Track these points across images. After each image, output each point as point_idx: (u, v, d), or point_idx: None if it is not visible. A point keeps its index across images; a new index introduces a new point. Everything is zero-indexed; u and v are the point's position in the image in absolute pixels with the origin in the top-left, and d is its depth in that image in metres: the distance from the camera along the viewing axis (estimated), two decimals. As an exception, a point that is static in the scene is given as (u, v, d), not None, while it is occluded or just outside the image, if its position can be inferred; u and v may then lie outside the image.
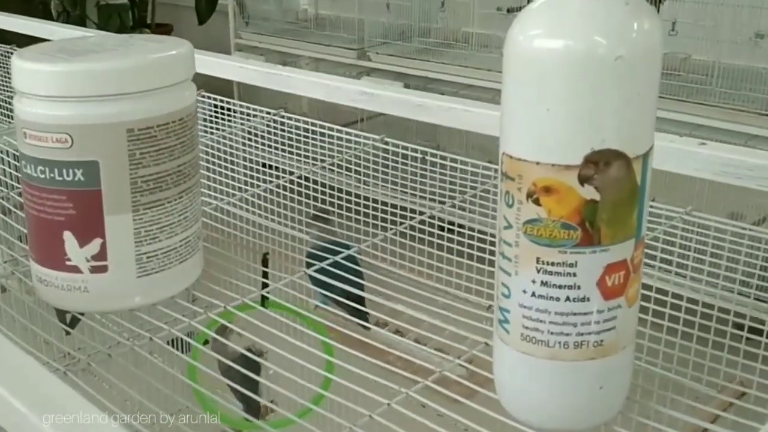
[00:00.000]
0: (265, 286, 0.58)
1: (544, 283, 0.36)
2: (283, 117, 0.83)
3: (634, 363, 0.40)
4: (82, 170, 0.44)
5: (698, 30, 1.52)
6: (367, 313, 0.57)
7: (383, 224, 0.67)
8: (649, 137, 0.35)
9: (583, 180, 0.34)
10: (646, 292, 0.54)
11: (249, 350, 0.51)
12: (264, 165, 0.78)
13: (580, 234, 0.35)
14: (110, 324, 0.53)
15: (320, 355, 0.50)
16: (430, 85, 1.96)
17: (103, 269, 0.47)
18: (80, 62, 0.43)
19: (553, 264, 0.36)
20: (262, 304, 0.56)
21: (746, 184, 0.51)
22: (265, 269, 0.60)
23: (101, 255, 0.46)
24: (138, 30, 2.58)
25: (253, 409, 0.53)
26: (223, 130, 0.83)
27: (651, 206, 0.59)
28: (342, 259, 0.58)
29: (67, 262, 0.46)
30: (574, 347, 0.37)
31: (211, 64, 0.82)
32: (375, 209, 0.70)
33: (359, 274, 0.58)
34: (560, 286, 0.36)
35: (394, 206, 0.68)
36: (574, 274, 0.36)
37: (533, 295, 0.37)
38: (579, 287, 0.36)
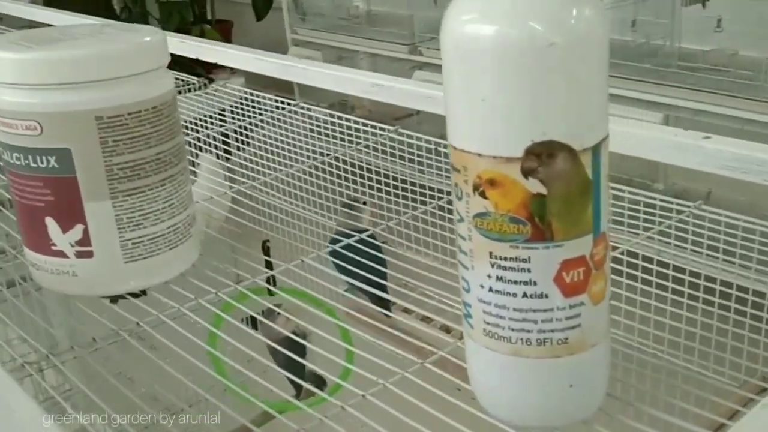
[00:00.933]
0: (264, 274, 0.58)
1: (499, 278, 0.35)
2: (302, 108, 0.83)
3: (609, 360, 0.38)
4: (54, 157, 0.44)
5: (744, 26, 1.46)
6: (389, 300, 0.56)
7: (404, 206, 0.67)
8: (598, 129, 0.33)
9: (526, 173, 0.32)
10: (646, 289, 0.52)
11: (294, 332, 0.52)
12: (278, 155, 0.78)
13: (530, 229, 0.33)
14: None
15: (334, 332, 0.50)
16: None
17: (89, 254, 0.47)
18: (44, 50, 0.44)
19: (506, 259, 0.34)
20: (269, 291, 0.56)
21: (753, 179, 0.48)
22: (267, 257, 0.60)
23: (85, 240, 0.47)
24: (198, 26, 2.62)
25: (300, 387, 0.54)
26: (243, 120, 0.84)
27: (660, 200, 0.57)
28: (365, 246, 0.57)
29: (53, 247, 0.47)
30: (537, 344, 0.36)
31: (232, 57, 0.82)
32: (395, 189, 0.69)
33: (382, 262, 0.57)
34: (516, 282, 0.35)
35: (413, 185, 0.67)
36: (529, 270, 0.34)
37: (490, 290, 0.35)
38: (535, 283, 0.34)
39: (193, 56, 0.87)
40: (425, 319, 0.55)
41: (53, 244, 0.47)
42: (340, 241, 0.59)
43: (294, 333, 0.52)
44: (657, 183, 1.48)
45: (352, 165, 0.74)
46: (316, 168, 0.73)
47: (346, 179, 0.73)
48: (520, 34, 0.31)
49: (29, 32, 0.48)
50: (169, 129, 0.48)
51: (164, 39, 0.48)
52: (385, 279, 0.56)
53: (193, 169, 0.69)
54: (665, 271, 0.53)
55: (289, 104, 0.83)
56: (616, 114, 0.43)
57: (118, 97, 0.44)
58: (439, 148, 0.72)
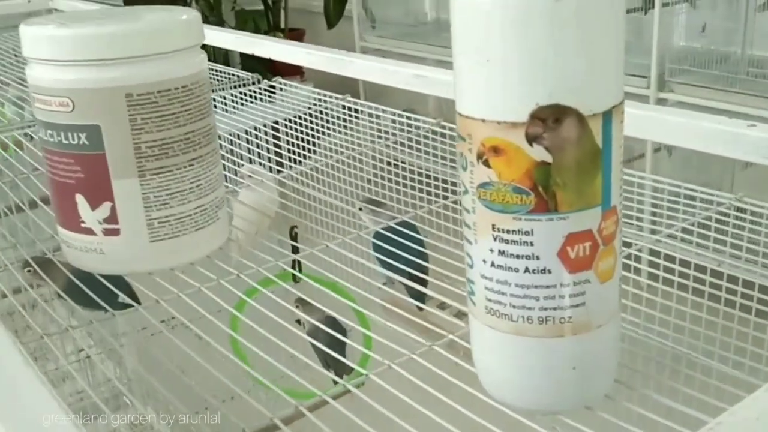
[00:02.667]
0: (295, 261, 0.58)
1: (501, 252, 0.34)
2: (349, 102, 0.83)
3: (618, 344, 0.37)
4: (85, 134, 0.45)
5: None
6: (425, 294, 0.56)
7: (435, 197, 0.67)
8: (610, 93, 0.32)
9: (531, 139, 0.31)
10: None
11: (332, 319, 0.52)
12: (320, 145, 0.79)
13: (534, 199, 0.32)
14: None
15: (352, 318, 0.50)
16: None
17: (116, 232, 0.49)
18: (78, 27, 0.45)
19: (508, 231, 0.33)
20: (293, 278, 0.57)
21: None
22: (294, 243, 0.60)
23: (112, 218, 0.48)
24: (272, 34, 2.68)
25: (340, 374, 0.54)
26: (289, 111, 0.85)
27: (701, 192, 0.55)
28: (409, 240, 0.57)
29: (82, 224, 0.49)
30: (539, 322, 0.34)
31: (282, 51, 0.83)
32: (428, 182, 0.69)
33: (424, 256, 0.57)
34: (518, 256, 0.34)
35: (445, 180, 0.67)
36: (531, 243, 0.33)
37: (492, 265, 0.35)
38: (538, 257, 0.33)
39: (247, 51, 0.89)
40: (458, 315, 0.55)
41: (82, 221, 0.48)
42: (385, 235, 0.59)
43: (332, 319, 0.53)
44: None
45: (388, 156, 0.74)
46: (354, 159, 0.74)
47: (382, 170, 0.73)
48: None
49: (69, 13, 0.50)
50: (200, 109, 0.49)
51: (198, 19, 0.48)
52: (426, 273, 0.56)
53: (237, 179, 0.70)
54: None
55: (337, 98, 0.84)
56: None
57: (148, 75, 0.45)
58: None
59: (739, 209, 0.52)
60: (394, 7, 2.47)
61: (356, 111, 0.83)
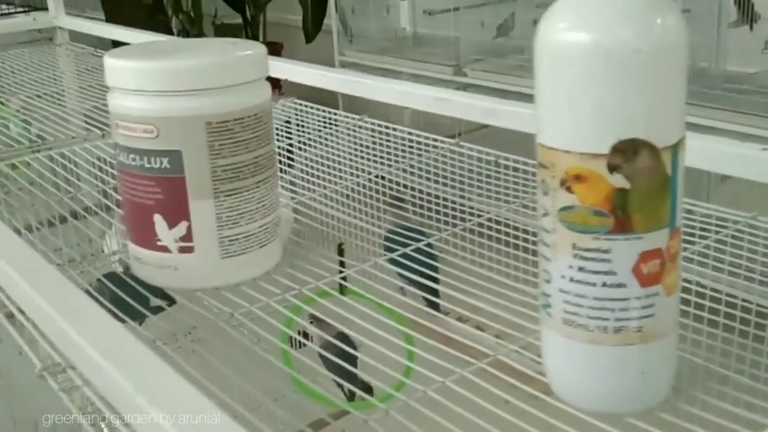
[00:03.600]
0: (340, 273, 0.61)
1: (581, 269, 0.38)
2: (366, 122, 0.87)
3: (677, 353, 0.41)
4: (167, 159, 0.49)
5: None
6: (438, 297, 0.59)
7: (453, 221, 0.70)
8: (677, 128, 0.37)
9: (611, 168, 0.36)
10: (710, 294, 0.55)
11: (343, 336, 0.54)
12: (347, 165, 0.82)
13: (613, 221, 0.37)
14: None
15: (395, 338, 0.53)
16: (523, 100, 1.96)
17: (190, 250, 0.52)
18: (165, 60, 0.48)
19: (588, 250, 0.38)
20: (341, 291, 0.60)
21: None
22: (341, 258, 0.64)
23: (188, 237, 0.51)
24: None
25: (352, 393, 0.57)
26: (310, 134, 0.88)
27: (716, 210, 0.60)
28: (419, 246, 0.61)
29: (158, 243, 0.52)
30: (614, 332, 0.39)
31: (298, 72, 0.87)
32: (445, 206, 0.73)
33: (434, 265, 0.61)
34: (596, 272, 0.38)
35: (462, 206, 0.71)
36: (609, 261, 0.38)
37: (571, 280, 0.39)
38: (615, 273, 0.38)
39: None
40: (478, 327, 0.58)
41: (158, 240, 0.51)
42: (394, 237, 0.63)
43: (343, 338, 0.55)
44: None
45: (411, 174, 0.77)
46: (382, 177, 0.77)
47: (405, 186, 0.77)
48: (611, 42, 0.35)
49: (147, 45, 0.53)
50: (266, 135, 0.52)
51: (265, 53, 0.52)
52: (437, 279, 0.59)
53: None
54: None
55: (353, 118, 0.88)
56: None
57: (226, 104, 0.49)
58: (499, 161, 0.75)
59: (752, 226, 0.57)
60: (371, 22, 2.52)
61: (371, 131, 0.87)
